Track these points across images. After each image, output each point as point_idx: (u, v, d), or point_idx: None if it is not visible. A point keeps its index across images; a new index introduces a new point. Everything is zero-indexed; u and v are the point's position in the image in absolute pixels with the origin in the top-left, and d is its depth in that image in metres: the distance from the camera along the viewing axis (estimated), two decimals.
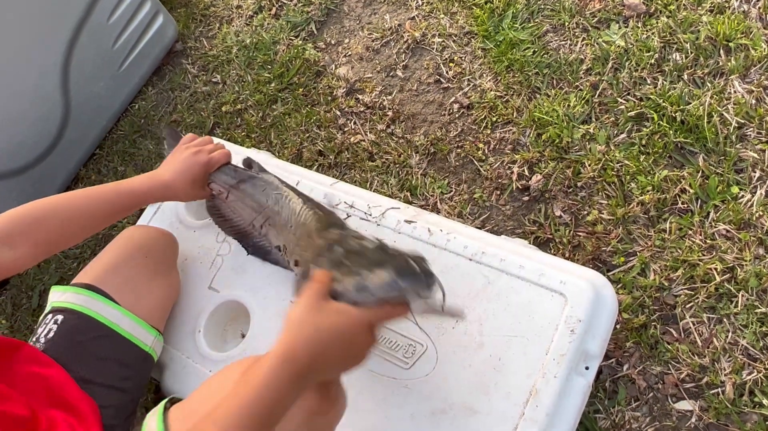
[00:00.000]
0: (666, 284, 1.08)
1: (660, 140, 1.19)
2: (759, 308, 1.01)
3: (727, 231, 1.08)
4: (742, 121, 1.16)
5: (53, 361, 0.94)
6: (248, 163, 1.19)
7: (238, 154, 1.25)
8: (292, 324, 0.65)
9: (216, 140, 1.24)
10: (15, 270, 0.91)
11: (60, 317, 1.00)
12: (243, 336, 1.23)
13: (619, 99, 1.27)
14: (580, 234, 1.18)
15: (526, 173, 1.27)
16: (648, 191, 1.16)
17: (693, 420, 0.98)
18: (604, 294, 0.99)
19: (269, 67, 1.65)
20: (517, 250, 1.08)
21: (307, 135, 1.51)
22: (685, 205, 1.13)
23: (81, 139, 1.72)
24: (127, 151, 1.73)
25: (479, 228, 1.26)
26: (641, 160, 1.19)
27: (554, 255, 1.17)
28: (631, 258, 1.12)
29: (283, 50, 1.66)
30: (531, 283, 1.02)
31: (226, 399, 0.60)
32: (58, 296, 1.04)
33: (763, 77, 1.18)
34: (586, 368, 0.97)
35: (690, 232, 1.10)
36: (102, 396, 0.94)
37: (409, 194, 1.33)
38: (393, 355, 1.04)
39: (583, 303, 0.97)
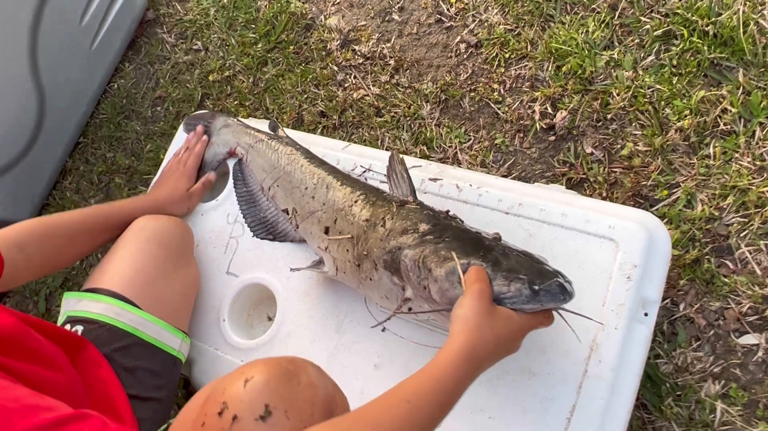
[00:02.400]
0: (716, 214, 1.01)
1: (692, 58, 1.10)
2: None
3: None
4: None
5: (107, 363, 0.88)
6: (273, 126, 1.20)
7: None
8: (469, 325, 0.69)
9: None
10: (25, 278, 0.95)
11: (79, 328, 0.93)
12: (270, 319, 1.17)
13: (642, 18, 1.16)
14: (616, 170, 1.10)
15: (549, 111, 1.18)
16: (685, 116, 1.07)
17: (760, 354, 0.93)
18: (657, 236, 0.92)
19: (253, 26, 1.53)
20: (556, 197, 1.00)
21: (306, 96, 1.40)
22: (728, 126, 1.05)
23: (62, 129, 1.60)
24: (113, 136, 1.62)
25: (505, 176, 1.18)
26: (674, 82, 1.10)
27: (590, 196, 1.10)
28: (674, 191, 1.05)
29: (266, 6, 1.53)
30: (577, 231, 0.95)
31: (410, 386, 0.65)
32: (73, 304, 0.97)
33: None
34: (645, 314, 0.91)
35: (736, 155, 1.03)
36: (138, 408, 0.88)
37: (425, 148, 1.24)
38: (437, 325, 0.98)
39: (636, 247, 0.91)
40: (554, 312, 0.78)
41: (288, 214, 1.11)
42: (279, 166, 1.12)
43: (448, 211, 0.92)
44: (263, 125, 1.26)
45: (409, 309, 0.87)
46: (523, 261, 0.77)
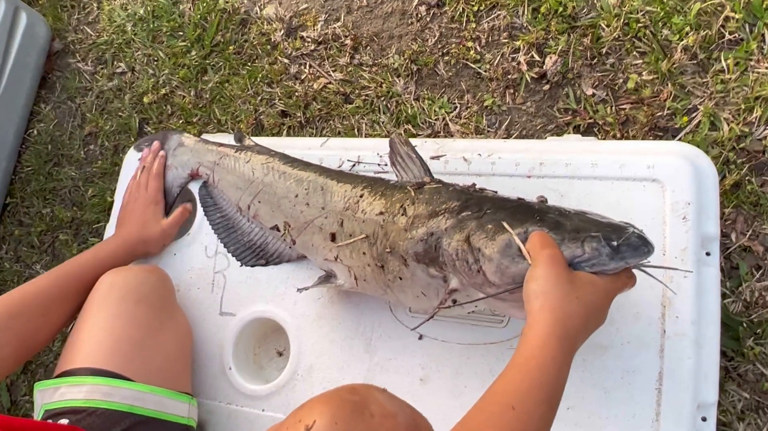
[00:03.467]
0: (746, 130, 0.92)
1: None
2: None
3: None
4: None
5: None
6: (239, 137, 1.05)
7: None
8: (551, 298, 0.59)
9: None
10: (3, 372, 0.81)
11: (64, 421, 0.75)
12: (280, 354, 1.02)
13: None
14: (625, 106, 1.00)
15: (537, 58, 1.07)
16: (687, 33, 0.98)
17: None
18: (700, 165, 0.82)
19: (181, 33, 1.35)
20: (578, 148, 0.89)
21: (260, 98, 1.24)
22: (735, 35, 0.96)
23: None
24: (45, 188, 1.41)
25: (505, 138, 1.06)
26: (665, 0, 1.00)
27: (603, 140, 1.00)
28: (694, 115, 0.96)
29: (190, 8, 1.35)
30: (613, 180, 0.84)
31: (507, 387, 0.55)
32: (50, 395, 0.79)
33: None
34: (707, 254, 0.81)
35: (751, 63, 0.94)
36: None
37: (410, 126, 1.11)
38: (480, 319, 0.85)
39: (684, 182, 0.81)
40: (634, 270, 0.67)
41: (279, 230, 0.95)
42: (256, 180, 0.97)
43: (474, 184, 0.80)
44: (221, 139, 1.10)
45: (454, 301, 0.74)
46: (586, 219, 0.66)
